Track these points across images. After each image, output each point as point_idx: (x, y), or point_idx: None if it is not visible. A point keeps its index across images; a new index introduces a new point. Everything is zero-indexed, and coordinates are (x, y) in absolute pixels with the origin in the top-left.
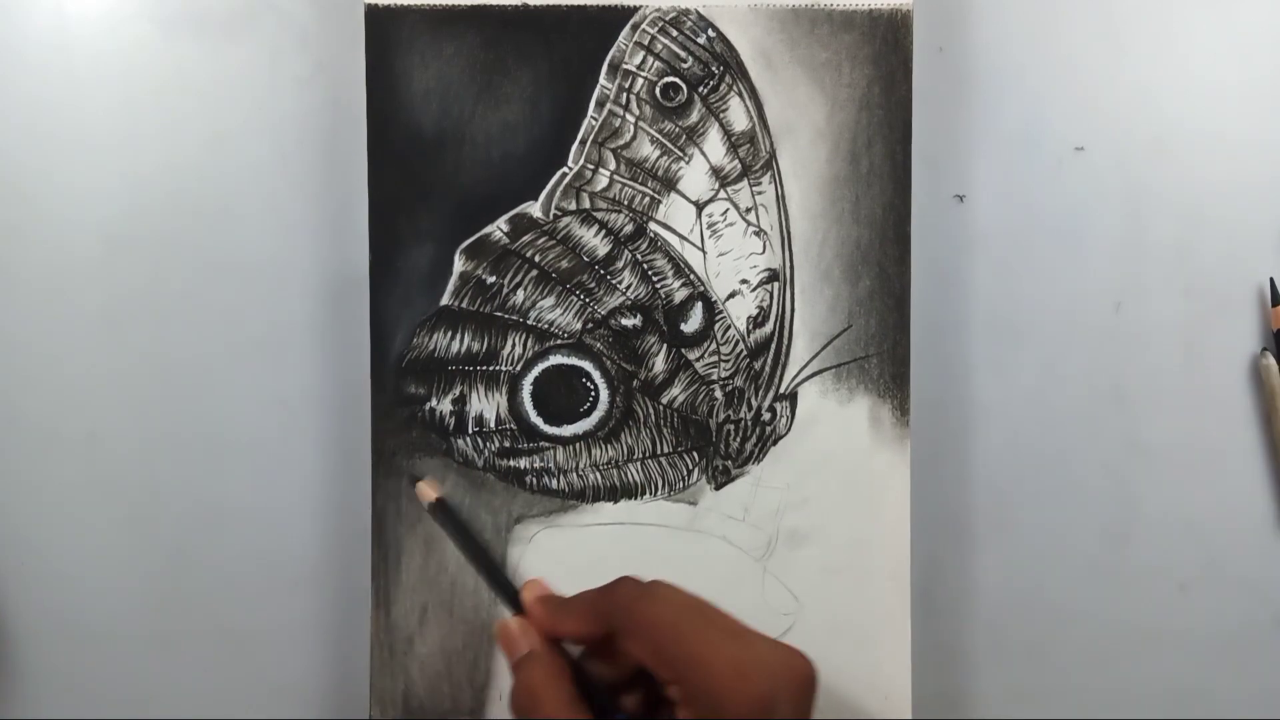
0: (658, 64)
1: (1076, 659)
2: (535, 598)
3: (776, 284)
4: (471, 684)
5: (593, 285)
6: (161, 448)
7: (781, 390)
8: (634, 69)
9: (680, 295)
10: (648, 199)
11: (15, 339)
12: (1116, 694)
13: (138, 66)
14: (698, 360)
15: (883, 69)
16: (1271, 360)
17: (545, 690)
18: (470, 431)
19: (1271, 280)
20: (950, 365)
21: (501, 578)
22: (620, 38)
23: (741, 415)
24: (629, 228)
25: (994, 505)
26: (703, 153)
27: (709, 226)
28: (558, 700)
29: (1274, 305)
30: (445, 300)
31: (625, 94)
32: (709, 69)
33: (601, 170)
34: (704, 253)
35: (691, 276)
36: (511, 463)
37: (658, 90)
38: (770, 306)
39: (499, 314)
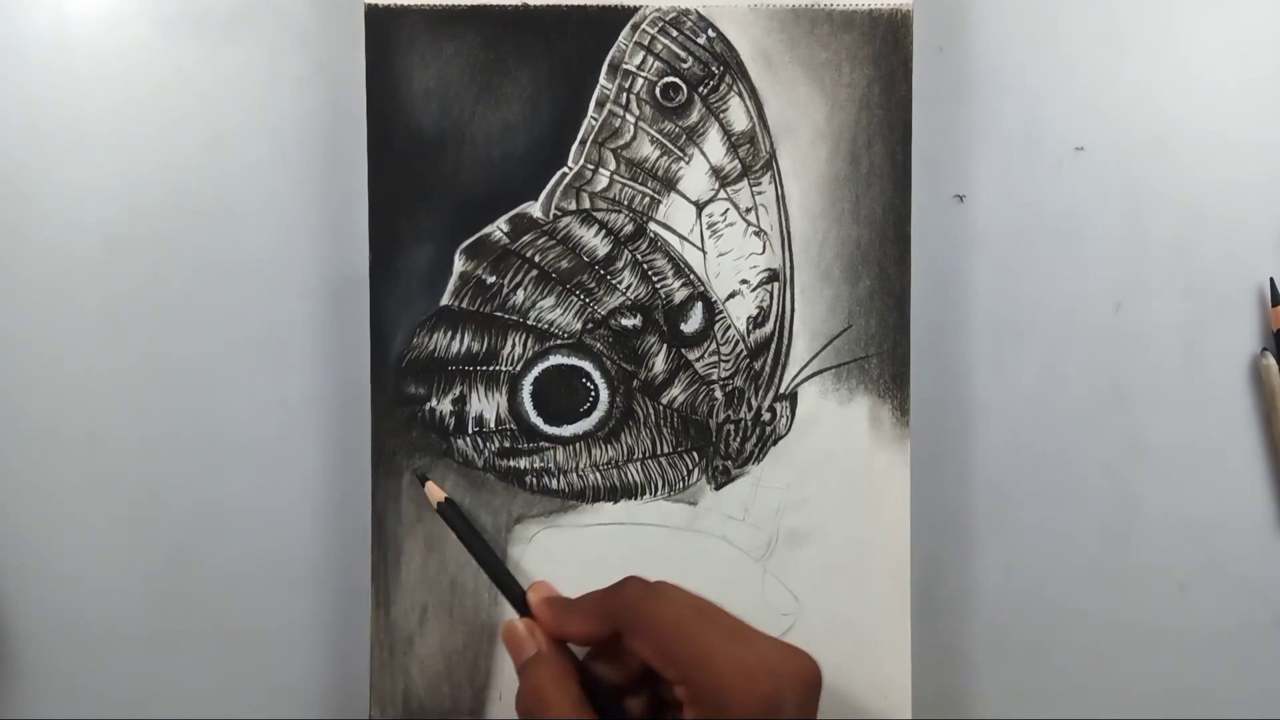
0: (658, 64)
1: (1076, 659)
2: (541, 599)
3: (776, 284)
4: (471, 684)
5: (593, 285)
6: (161, 448)
7: (781, 390)
8: (634, 69)
9: (680, 295)
10: (648, 199)
11: (15, 339)
12: (1116, 694)
13: (138, 66)
14: (698, 360)
15: (883, 69)
16: (1271, 360)
17: (552, 692)
18: (470, 431)
19: (1271, 280)
20: (950, 365)
21: (508, 579)
22: (620, 38)
23: (741, 415)
24: (629, 228)
25: (994, 505)
26: (703, 153)
27: (709, 226)
28: (564, 702)
29: (1274, 305)
30: (445, 300)
31: (625, 94)
32: (709, 69)
33: (601, 170)
34: (704, 253)
35: (691, 276)
36: (511, 463)
37: (658, 90)
38: (770, 306)
39: (499, 314)
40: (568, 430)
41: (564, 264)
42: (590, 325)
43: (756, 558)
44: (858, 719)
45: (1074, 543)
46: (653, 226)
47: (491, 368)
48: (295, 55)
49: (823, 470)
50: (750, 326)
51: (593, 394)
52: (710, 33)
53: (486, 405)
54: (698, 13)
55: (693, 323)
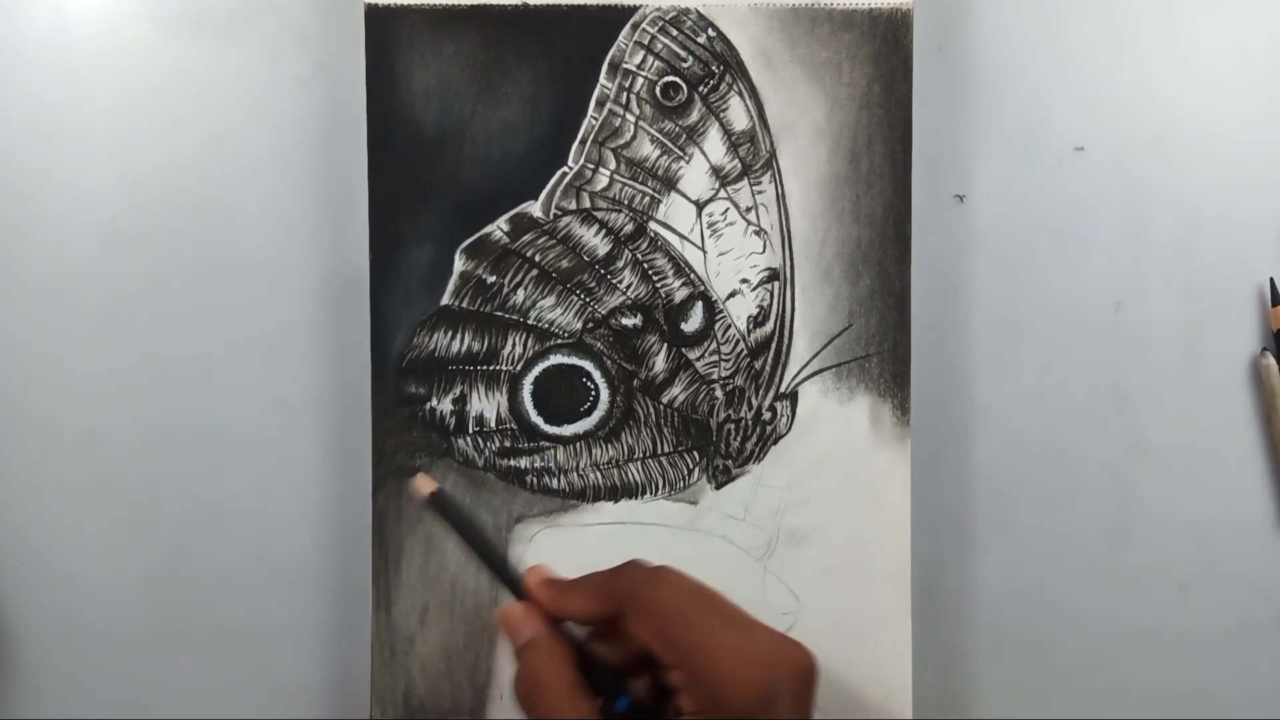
0: (658, 63)
1: (1076, 659)
2: (540, 581)
3: (777, 283)
4: (472, 683)
5: (593, 285)
6: (161, 448)
7: (782, 389)
8: (634, 68)
9: (680, 295)
10: (648, 198)
11: (15, 339)
12: (1116, 694)
13: (138, 66)
14: (698, 360)
15: (883, 68)
16: (1271, 360)
17: (548, 675)
18: (471, 431)
19: (1271, 280)
20: (950, 365)
21: (503, 565)
22: (620, 37)
23: (742, 414)
24: (629, 227)
25: (994, 505)
26: (703, 152)
27: (709, 226)
28: (561, 685)
29: (1274, 305)
30: (445, 300)
31: (625, 93)
32: (709, 68)
33: (602, 170)
34: (704, 252)
35: (692, 276)
36: (512, 462)
37: (658, 89)
38: (770, 306)
39: (499, 313)
40: (568, 430)
41: (564, 263)
42: (591, 325)
43: (757, 557)
44: (858, 718)
45: (1074, 543)
46: (653, 226)
47: (492, 367)
48: (295, 55)
49: (823, 469)
50: (750, 326)
51: (593, 393)
52: (710, 32)
53: (487, 405)
54: (698, 12)
55: (693, 322)
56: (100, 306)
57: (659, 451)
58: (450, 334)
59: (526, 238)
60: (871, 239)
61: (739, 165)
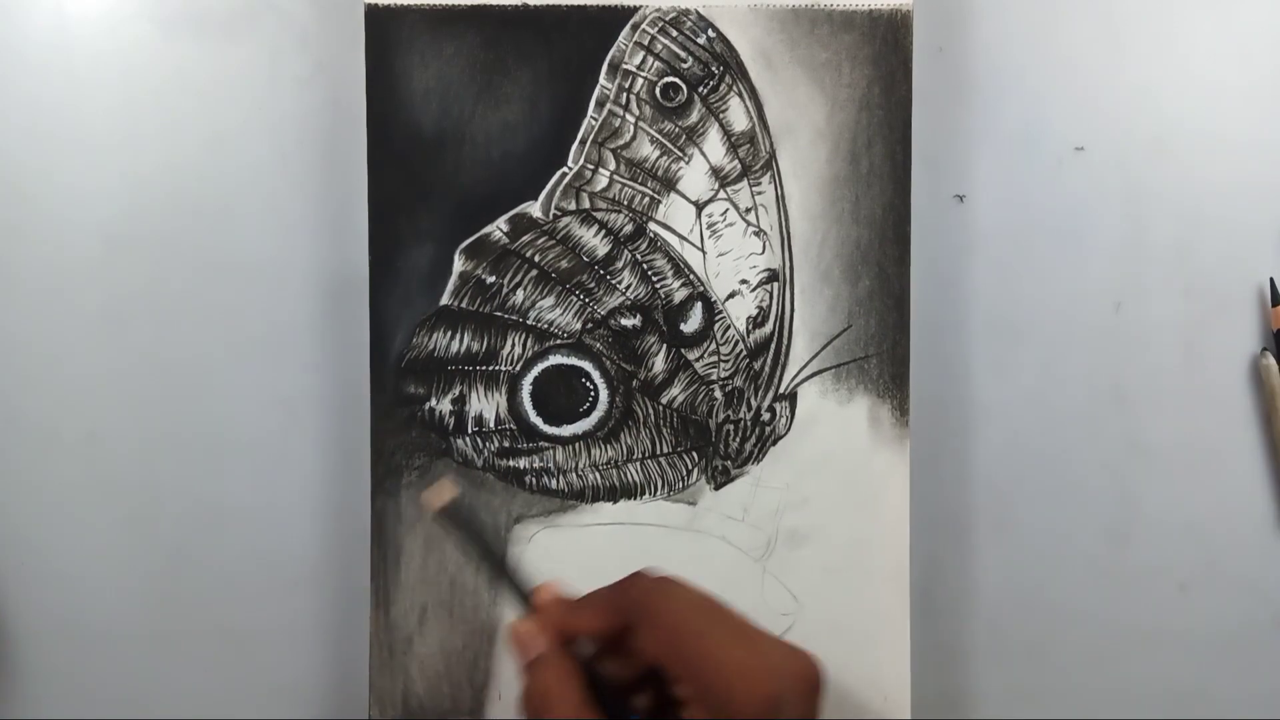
0: (658, 64)
1: (1076, 659)
2: (548, 599)
3: (776, 284)
4: (471, 684)
5: (592, 285)
6: (161, 448)
7: (781, 390)
8: (634, 69)
9: (680, 295)
10: (647, 199)
11: (15, 339)
12: (1116, 694)
13: (138, 66)
14: (697, 360)
15: (883, 69)
16: (1271, 360)
17: (557, 692)
18: (470, 431)
19: (1271, 280)
20: (950, 365)
21: (513, 579)
22: (620, 38)
23: (741, 415)
24: (629, 228)
25: (994, 505)
26: (702, 153)
27: (709, 226)
28: (570, 703)
29: (1274, 305)
30: (445, 300)
31: (625, 94)
32: (709, 69)
33: (601, 170)
34: (704, 253)
35: (691, 276)
36: (511, 462)
37: (658, 90)
38: (770, 307)
39: (499, 314)
40: (567, 430)
41: (564, 264)
42: (590, 325)
43: (756, 558)
44: (857, 719)
45: (1074, 543)
46: (652, 226)
47: (491, 367)
48: (295, 55)
49: (822, 470)
50: (750, 326)
51: (592, 394)
52: (710, 33)
53: (486, 405)
54: (698, 13)
55: (692, 323)
56: (100, 306)
57: (658, 452)
58: (449, 334)
59: (526, 238)
60: (871, 240)
61: (739, 166)
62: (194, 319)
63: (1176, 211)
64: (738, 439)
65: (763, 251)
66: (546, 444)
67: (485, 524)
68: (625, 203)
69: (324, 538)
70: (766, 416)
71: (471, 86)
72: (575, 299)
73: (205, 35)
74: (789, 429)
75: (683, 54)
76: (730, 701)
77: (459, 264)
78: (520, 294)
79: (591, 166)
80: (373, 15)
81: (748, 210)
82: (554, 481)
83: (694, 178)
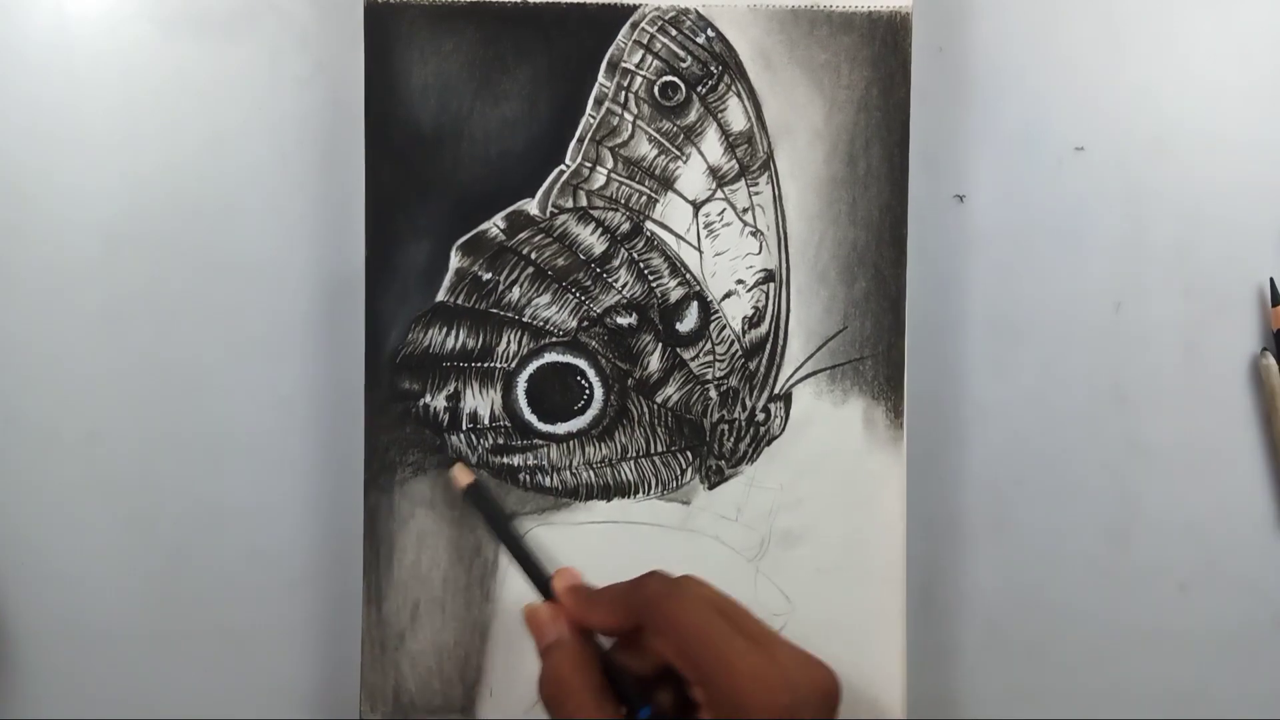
0: (657, 63)
1: (1076, 659)
2: (567, 586)
3: (772, 284)
4: (463, 680)
5: (589, 283)
6: (161, 448)
7: (776, 391)
8: (633, 67)
9: (676, 294)
10: (645, 198)
11: (15, 339)
12: (1116, 694)
13: (138, 66)
14: (693, 360)
15: (881, 71)
16: (1271, 360)
17: (573, 678)
18: (464, 428)
19: (1271, 280)
20: (948, 366)
21: (533, 563)
22: (619, 36)
23: (736, 415)
24: (626, 226)
25: (993, 505)
26: (700, 152)
27: (706, 226)
28: (585, 688)
29: (1274, 305)
30: (441, 296)
31: (624, 92)
32: (708, 69)
33: (599, 168)
34: (700, 252)
35: (687, 276)
36: (505, 460)
37: (656, 89)
38: (766, 307)
39: (494, 311)
40: (562, 428)
41: (560, 262)
42: (586, 323)
43: (749, 558)
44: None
45: (1074, 543)
46: (649, 225)
47: (486, 364)
48: (295, 55)
49: (817, 471)
50: (745, 326)
51: (587, 392)
52: (709, 32)
53: (481, 402)
54: (697, 12)
55: (688, 322)
56: (100, 306)
57: (652, 451)
58: (445, 330)
59: (523, 235)
60: (868, 241)
61: (736, 166)
62: (194, 319)
63: (1176, 211)
64: (732, 439)
65: (759, 252)
66: (541, 441)
67: (505, 508)
68: (623, 201)
69: (317, 535)
70: (761, 417)
71: (470, 83)
72: (571, 297)
73: (205, 35)
74: (783, 429)
75: (682, 53)
76: (746, 709)
77: (455, 261)
78: (516, 291)
79: (589, 164)
80: (372, 11)
81: (745, 210)
82: (548, 479)
83: (691, 177)
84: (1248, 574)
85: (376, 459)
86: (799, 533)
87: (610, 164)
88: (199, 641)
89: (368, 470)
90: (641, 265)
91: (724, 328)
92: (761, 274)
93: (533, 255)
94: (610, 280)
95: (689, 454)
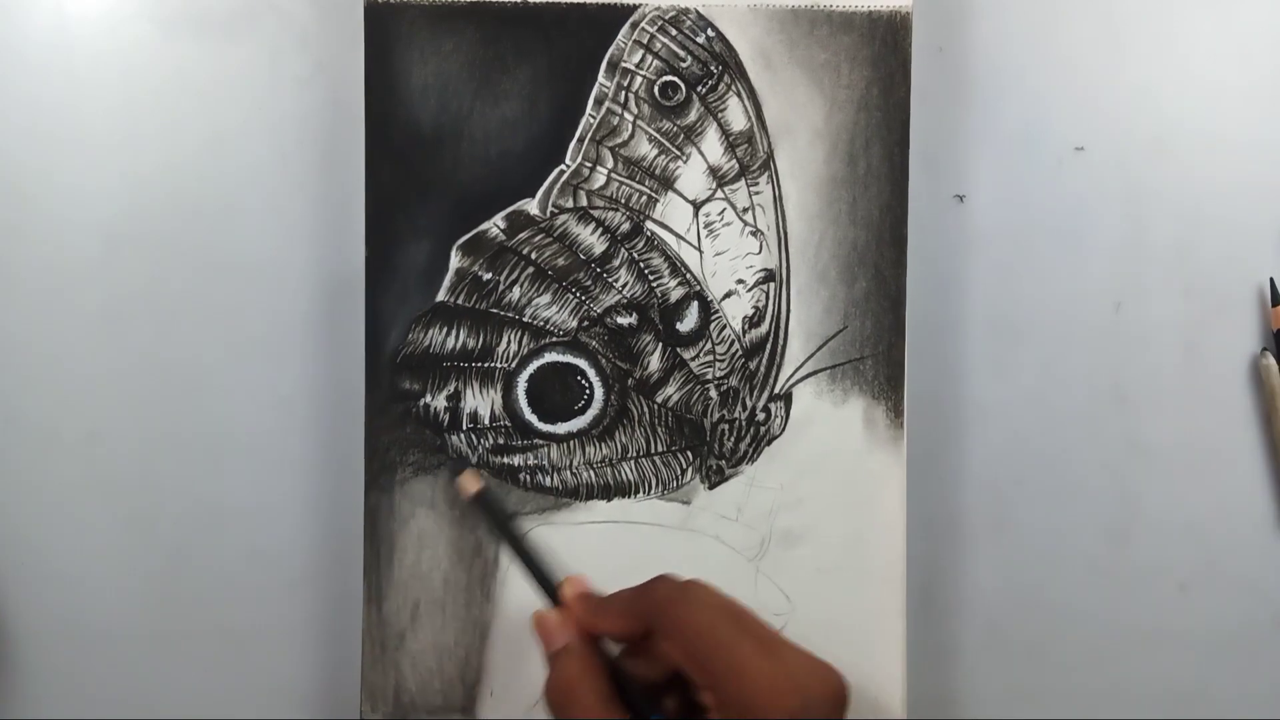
0: (657, 63)
1: (1076, 659)
2: (575, 593)
3: (772, 284)
4: (463, 680)
5: (589, 283)
6: (161, 448)
7: (776, 391)
8: (633, 67)
9: (676, 294)
10: (645, 198)
11: (15, 339)
12: (1116, 694)
13: (138, 66)
14: (693, 359)
15: (881, 71)
16: (1271, 360)
17: (581, 685)
18: (464, 428)
19: (1271, 280)
20: (948, 366)
21: (542, 570)
22: (619, 36)
23: (736, 415)
24: (626, 226)
25: (993, 505)
26: (700, 152)
27: (706, 226)
28: (593, 695)
29: (1274, 305)
30: (441, 296)
31: (624, 92)
32: (708, 68)
33: (599, 168)
34: (700, 252)
35: (688, 276)
36: (505, 460)
37: (656, 89)
38: (766, 307)
39: (495, 311)
40: (562, 428)
41: (560, 261)
42: (586, 323)
43: (749, 558)
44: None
45: (1074, 543)
46: (650, 225)
47: (486, 364)
48: (295, 55)
49: (817, 471)
50: (746, 326)
51: (587, 392)
52: (709, 32)
53: (481, 402)
54: (697, 12)
55: (688, 322)
56: (100, 306)
57: (652, 451)
58: (445, 330)
59: (523, 235)
60: (868, 241)
61: (736, 166)
62: (194, 319)
63: (1176, 211)
64: (732, 439)
65: (759, 251)
66: (541, 441)
67: (513, 514)
68: (623, 201)
69: (317, 535)
70: (761, 416)
71: (470, 83)
72: (571, 297)
73: (205, 35)
74: (784, 429)
75: (682, 53)
76: (754, 714)
77: (456, 260)
78: (517, 291)
79: (589, 164)
80: (372, 11)
81: (745, 210)
82: (548, 479)
83: (692, 177)
84: (1248, 574)
85: (377, 459)
86: (799, 532)
87: (610, 164)
88: (199, 642)
89: (368, 470)
90: (642, 265)
91: (724, 327)
92: (762, 274)
93: (533, 255)
94: (610, 280)
95: (689, 454)
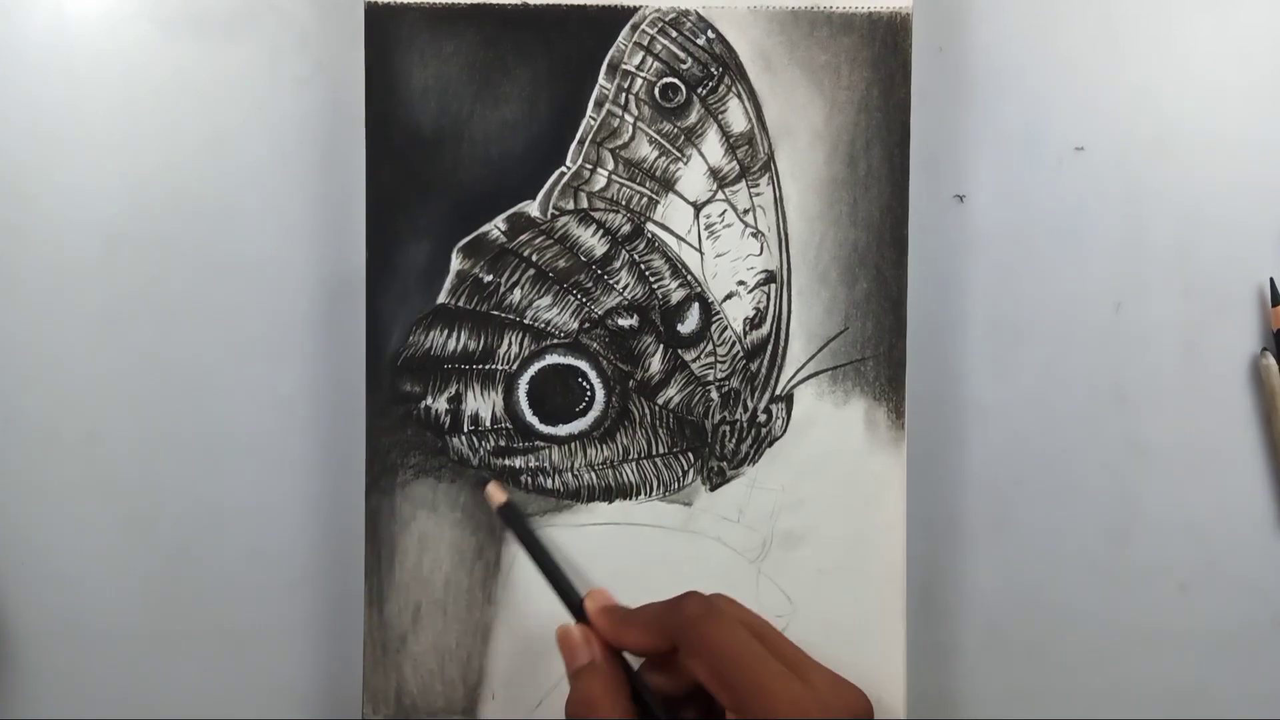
0: (657, 64)
1: (1076, 659)
2: (599, 608)
3: (773, 285)
4: (464, 682)
5: (590, 285)
6: (161, 448)
7: (777, 392)
8: (633, 69)
9: (677, 296)
10: (645, 199)
11: (15, 339)
12: (1116, 694)
13: (138, 66)
14: (694, 361)
15: (882, 72)
16: (1271, 360)
17: (603, 701)
18: (465, 430)
19: (1271, 280)
20: (949, 366)
21: (565, 584)
22: (620, 38)
23: (737, 416)
24: (626, 228)
25: (993, 505)
26: (701, 154)
27: (706, 227)
28: (615, 712)
29: (1274, 305)
30: (442, 298)
31: (624, 94)
32: (708, 70)
33: (600, 170)
34: (701, 254)
35: (689, 277)
36: (506, 462)
37: (657, 91)
38: (767, 308)
39: (495, 313)
40: (563, 430)
41: (561, 263)
42: (587, 325)
43: (751, 559)
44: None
45: (1074, 543)
46: (650, 227)
47: (487, 366)
48: (295, 55)
49: (818, 472)
50: (747, 328)
51: (589, 394)
52: (710, 34)
53: (482, 404)
54: (697, 13)
55: (689, 323)
56: (100, 306)
57: (654, 453)
58: (446, 333)
59: (524, 237)
60: (869, 242)
61: (737, 167)
62: (194, 319)
63: (1176, 211)
64: (734, 440)
65: (760, 253)
66: (542, 443)
67: (536, 527)
68: (623, 203)
69: (318, 536)
70: (763, 418)
71: (470, 85)
72: (572, 298)
73: (205, 35)
74: (785, 430)
75: (682, 55)
76: None
77: (456, 262)
78: (517, 293)
79: (590, 166)
80: (372, 13)
81: (746, 211)
82: (549, 481)
83: (692, 178)
84: (1248, 574)
85: (378, 461)
86: (800, 533)
87: (611, 166)
88: (200, 642)
89: (369, 472)
90: (642, 267)
91: (725, 329)
92: (762, 275)
93: (534, 257)
94: (611, 282)
95: (690, 455)
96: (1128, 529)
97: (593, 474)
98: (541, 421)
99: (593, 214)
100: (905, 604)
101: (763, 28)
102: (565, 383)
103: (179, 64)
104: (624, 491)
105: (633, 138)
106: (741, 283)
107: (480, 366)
